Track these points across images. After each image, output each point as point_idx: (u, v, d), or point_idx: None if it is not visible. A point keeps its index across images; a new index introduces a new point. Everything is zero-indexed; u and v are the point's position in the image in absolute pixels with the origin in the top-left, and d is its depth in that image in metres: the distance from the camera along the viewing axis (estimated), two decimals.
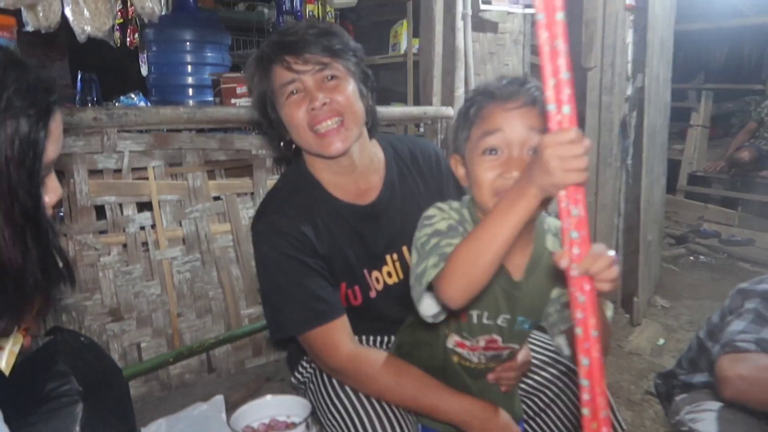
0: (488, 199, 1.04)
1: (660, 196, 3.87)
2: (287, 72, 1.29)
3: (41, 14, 1.56)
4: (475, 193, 1.08)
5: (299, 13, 4.19)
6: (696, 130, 5.82)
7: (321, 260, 1.36)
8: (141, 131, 1.78)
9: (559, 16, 0.74)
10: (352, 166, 1.41)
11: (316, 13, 4.24)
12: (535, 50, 3.72)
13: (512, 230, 0.88)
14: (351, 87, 1.34)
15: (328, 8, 4.24)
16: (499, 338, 1.19)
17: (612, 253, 0.78)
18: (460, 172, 1.14)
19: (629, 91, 3.49)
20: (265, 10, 4.41)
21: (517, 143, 1.02)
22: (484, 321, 1.17)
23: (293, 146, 1.42)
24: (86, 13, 1.63)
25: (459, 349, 1.23)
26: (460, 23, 2.35)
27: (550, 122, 0.77)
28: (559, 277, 0.93)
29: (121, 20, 3.85)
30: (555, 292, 1.17)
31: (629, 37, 3.45)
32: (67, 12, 1.63)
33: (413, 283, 1.05)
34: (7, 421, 0.92)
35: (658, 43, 3.27)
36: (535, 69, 3.89)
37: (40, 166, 0.82)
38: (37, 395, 1.36)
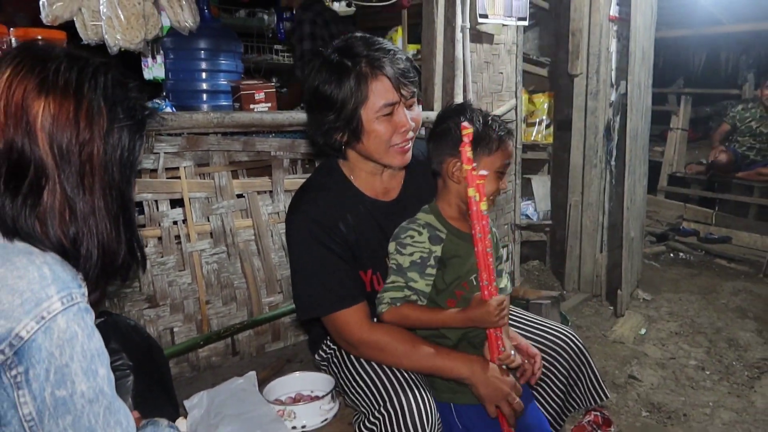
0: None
1: (642, 196, 4.10)
2: (394, 93, 1.42)
3: (89, 29, 1.73)
4: (465, 195, 1.42)
5: None
6: (675, 133, 6.07)
7: (349, 249, 1.52)
8: (174, 134, 1.95)
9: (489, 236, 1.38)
10: (385, 168, 1.57)
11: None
12: (526, 58, 3.93)
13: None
14: (419, 109, 1.53)
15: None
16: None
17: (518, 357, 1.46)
18: (454, 172, 1.45)
19: (613, 97, 3.71)
20: (265, 17, 4.57)
21: (507, 170, 1.50)
22: (478, 280, 1.45)
23: (342, 146, 1.52)
24: (117, 26, 1.79)
25: None
26: (459, 35, 2.54)
27: (484, 291, 1.38)
28: None
29: None
30: (501, 251, 1.63)
31: (613, 46, 3.68)
32: (104, 26, 1.78)
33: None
34: None
35: (639, 52, 3.49)
36: (527, 76, 4.10)
37: (135, 167, 1.00)
38: None
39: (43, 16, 1.66)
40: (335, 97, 1.43)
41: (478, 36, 2.69)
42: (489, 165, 1.44)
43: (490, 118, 1.47)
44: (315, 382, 1.76)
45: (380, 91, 1.42)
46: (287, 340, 2.24)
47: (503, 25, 2.71)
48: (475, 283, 1.47)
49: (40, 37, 1.70)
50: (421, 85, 2.69)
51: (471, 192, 1.34)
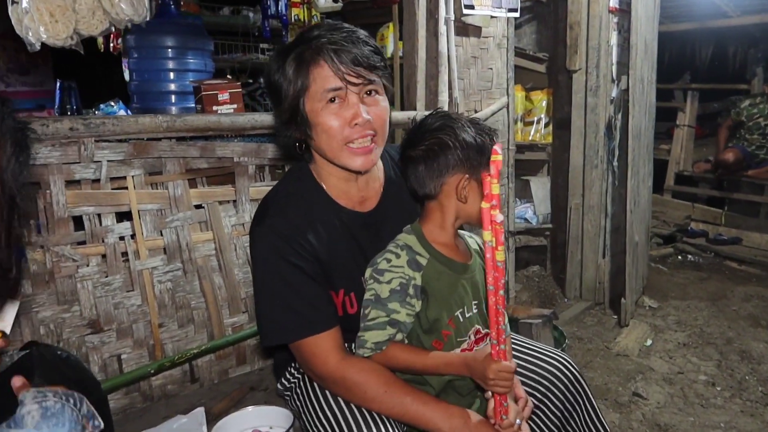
0: (477, 218, 1.24)
1: (646, 197, 3.88)
2: (336, 79, 1.25)
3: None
4: (471, 212, 1.28)
5: (284, 17, 4.17)
6: (682, 130, 5.86)
7: (320, 266, 1.33)
8: (120, 140, 1.76)
9: (502, 292, 1.17)
10: (359, 173, 1.39)
11: (301, 17, 4.23)
12: (522, 53, 3.73)
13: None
14: (386, 104, 1.34)
15: (314, 12, 4.23)
16: (479, 326, 1.32)
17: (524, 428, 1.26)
18: (462, 191, 1.28)
19: (614, 93, 3.50)
20: (251, 14, 4.40)
21: None
22: (466, 314, 1.31)
23: (304, 147, 1.37)
24: (37, 20, 1.57)
25: None
26: (443, 28, 2.34)
27: (492, 350, 1.19)
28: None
29: None
30: None
31: (613, 39, 3.47)
32: (26, 21, 1.58)
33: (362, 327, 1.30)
34: None
35: (641, 45, 3.28)
36: (524, 73, 3.89)
37: (25, 181, 0.90)
38: (11, 411, 1.34)
39: None
40: (280, 85, 1.30)
41: (465, 29, 2.49)
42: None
43: (485, 126, 1.32)
44: (273, 417, 1.57)
45: (322, 77, 1.25)
46: (254, 364, 2.05)
47: (491, 16, 2.51)
48: (461, 319, 1.29)
49: None
50: (403, 83, 2.49)
51: (487, 236, 1.14)
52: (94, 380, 1.57)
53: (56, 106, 2.34)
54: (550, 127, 3.99)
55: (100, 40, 4.08)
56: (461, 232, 1.42)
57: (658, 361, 3.03)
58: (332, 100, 1.27)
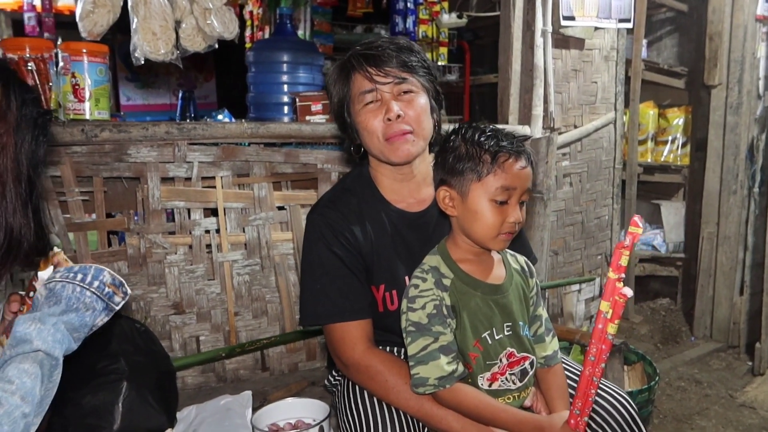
0: (490, 237, 1.20)
1: None
2: (368, 82, 1.36)
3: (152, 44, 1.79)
4: (474, 226, 1.21)
5: (413, 34, 4.28)
6: None
7: (363, 260, 1.40)
8: (212, 144, 1.96)
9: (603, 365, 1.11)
10: (411, 174, 1.45)
11: (429, 33, 4.31)
12: (656, 68, 3.47)
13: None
14: (423, 102, 1.40)
15: (441, 29, 4.30)
16: (513, 349, 1.25)
17: None
18: (448, 203, 1.24)
19: (759, 111, 3.12)
20: (382, 32, 4.58)
21: (518, 198, 1.19)
22: (496, 337, 1.23)
23: (361, 150, 1.48)
24: (141, 37, 1.79)
25: (495, 385, 1.25)
26: (539, 40, 2.27)
27: (572, 419, 1.15)
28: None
29: (250, 44, 4.22)
30: (540, 310, 1.33)
31: (762, 51, 3.10)
32: (135, 39, 1.82)
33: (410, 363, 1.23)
34: (62, 390, 1.05)
35: None
36: (660, 88, 3.62)
37: (42, 161, 1.03)
38: (89, 371, 1.57)
39: (80, 30, 1.75)
40: (330, 97, 1.45)
41: (565, 41, 2.39)
42: (480, 192, 1.18)
43: (485, 133, 1.21)
44: (312, 409, 1.65)
45: (357, 82, 1.37)
46: (323, 360, 2.14)
47: (596, 28, 2.38)
48: (490, 341, 1.23)
49: (84, 50, 1.80)
50: (498, 96, 2.46)
51: (604, 306, 1.07)
52: (164, 354, 1.77)
53: (178, 114, 2.67)
54: (688, 147, 3.66)
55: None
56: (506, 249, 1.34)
57: None
58: (370, 102, 1.37)
